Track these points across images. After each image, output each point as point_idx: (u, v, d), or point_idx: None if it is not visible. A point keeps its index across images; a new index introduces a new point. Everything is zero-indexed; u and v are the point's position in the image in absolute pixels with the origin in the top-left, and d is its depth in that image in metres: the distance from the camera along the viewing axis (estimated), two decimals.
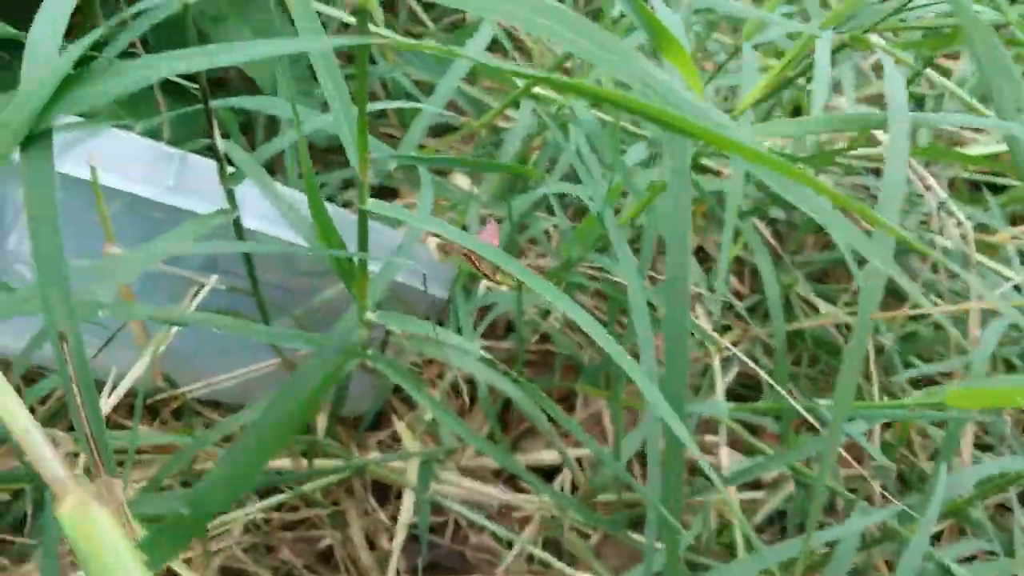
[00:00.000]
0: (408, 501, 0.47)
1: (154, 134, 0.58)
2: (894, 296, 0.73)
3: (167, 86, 0.52)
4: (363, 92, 0.24)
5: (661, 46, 0.27)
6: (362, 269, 0.32)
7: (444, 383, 0.52)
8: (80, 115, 0.51)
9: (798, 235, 0.73)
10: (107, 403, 0.41)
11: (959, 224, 0.61)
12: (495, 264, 0.25)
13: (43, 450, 0.17)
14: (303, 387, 0.37)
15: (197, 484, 0.37)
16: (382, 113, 0.80)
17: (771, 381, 0.45)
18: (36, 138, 0.19)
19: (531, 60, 0.71)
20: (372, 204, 0.28)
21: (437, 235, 0.37)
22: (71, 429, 0.50)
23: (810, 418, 0.43)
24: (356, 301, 0.34)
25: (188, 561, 0.43)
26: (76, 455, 0.41)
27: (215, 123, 0.39)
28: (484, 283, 0.53)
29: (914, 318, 0.66)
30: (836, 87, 0.70)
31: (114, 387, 0.41)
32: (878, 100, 0.82)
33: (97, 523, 0.18)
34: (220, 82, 0.73)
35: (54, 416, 0.52)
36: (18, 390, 0.19)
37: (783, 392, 0.45)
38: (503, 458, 0.44)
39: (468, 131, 0.62)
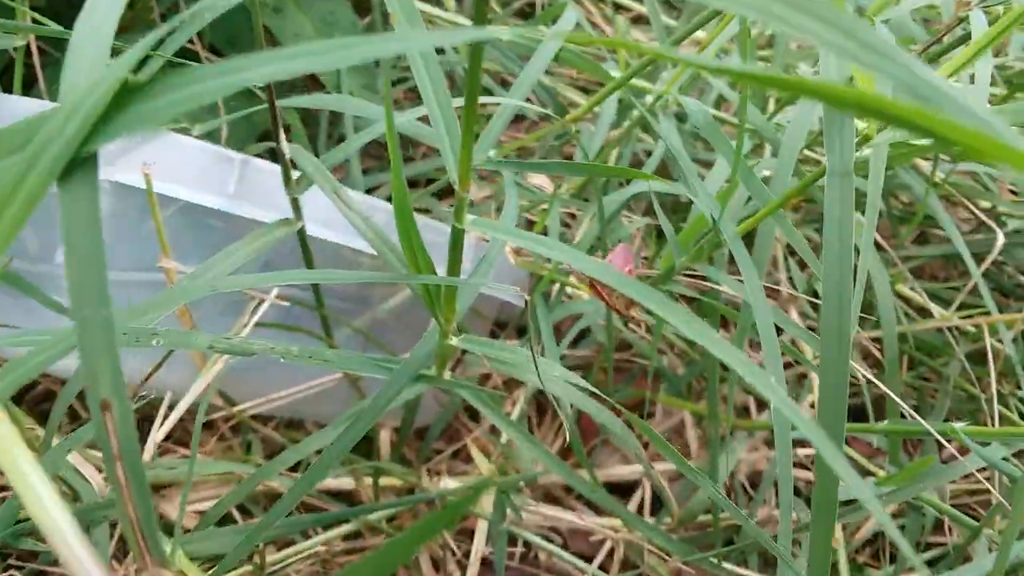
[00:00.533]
0: (481, 532, 0.44)
1: (212, 135, 0.55)
2: (1006, 293, 0.67)
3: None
4: (472, 103, 0.19)
5: None
6: (450, 295, 0.28)
7: (520, 401, 0.48)
8: None
9: (894, 227, 0.67)
10: (160, 431, 0.38)
11: None
12: (630, 299, 0.21)
13: (79, 556, 0.14)
14: (376, 414, 0.33)
15: (255, 530, 0.34)
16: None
17: (896, 398, 0.40)
18: (78, 165, 0.16)
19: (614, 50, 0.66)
20: (473, 221, 0.24)
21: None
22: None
23: (945, 442, 0.38)
24: (440, 326, 0.31)
25: None
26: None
27: (280, 126, 0.35)
28: (568, 289, 0.49)
29: None
30: None
31: (168, 411, 0.38)
32: None
33: None
34: None
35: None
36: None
37: (906, 408, 0.40)
38: (583, 485, 0.39)
39: (562, 125, 0.57)
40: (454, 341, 0.32)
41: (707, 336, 0.19)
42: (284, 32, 0.57)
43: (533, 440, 0.38)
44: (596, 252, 0.46)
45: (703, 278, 0.38)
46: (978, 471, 0.40)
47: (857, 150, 0.27)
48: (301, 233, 0.40)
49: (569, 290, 0.48)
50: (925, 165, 0.62)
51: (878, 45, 0.12)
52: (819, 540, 0.25)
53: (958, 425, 0.37)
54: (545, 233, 0.47)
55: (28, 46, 0.46)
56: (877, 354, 0.64)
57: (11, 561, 0.45)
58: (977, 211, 0.56)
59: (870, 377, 0.40)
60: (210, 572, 0.38)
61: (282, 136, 0.34)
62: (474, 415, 0.57)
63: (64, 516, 0.14)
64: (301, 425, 0.56)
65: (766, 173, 0.45)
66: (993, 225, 0.54)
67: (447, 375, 0.36)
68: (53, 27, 0.38)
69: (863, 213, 0.65)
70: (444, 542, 0.46)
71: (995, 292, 0.67)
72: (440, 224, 0.48)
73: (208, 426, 0.53)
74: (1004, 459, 0.36)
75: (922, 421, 0.35)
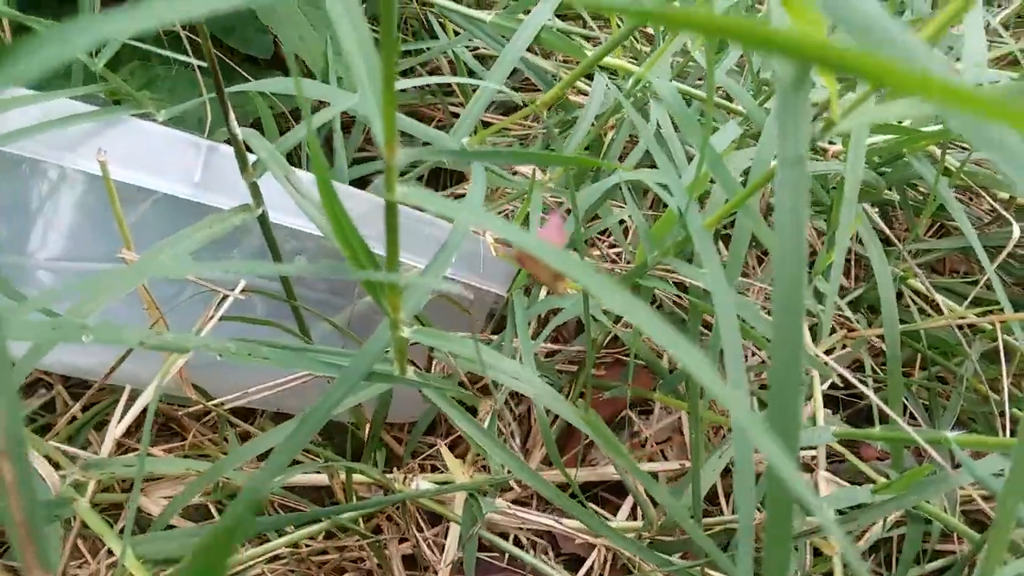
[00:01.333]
0: (454, 535, 0.42)
1: (200, 122, 0.54)
2: (1018, 289, 0.63)
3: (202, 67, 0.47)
4: (390, 59, 0.18)
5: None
6: (393, 284, 0.26)
7: (498, 399, 0.46)
8: (101, 101, 0.47)
9: (910, 219, 0.64)
10: (116, 430, 0.37)
11: None
12: (557, 271, 0.19)
13: None
14: (323, 415, 0.32)
15: (207, 537, 0.32)
16: (450, 89, 0.74)
17: (880, 405, 0.37)
18: None
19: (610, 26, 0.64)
20: (406, 193, 0.22)
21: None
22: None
23: (934, 453, 0.36)
24: (388, 317, 0.29)
25: None
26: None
27: (231, 110, 0.33)
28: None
29: None
30: None
31: (125, 411, 0.37)
32: (1010, 64, 0.71)
33: None
34: (277, 62, 0.68)
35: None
36: None
37: (897, 420, 0.37)
38: (556, 495, 0.38)
39: (534, 110, 0.55)
40: (405, 333, 0.30)
41: (640, 314, 0.17)
42: (288, 35, 0.55)
43: (496, 442, 0.36)
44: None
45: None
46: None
47: (822, 138, 0.25)
48: (263, 219, 0.38)
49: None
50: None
51: None
52: (774, 546, 0.23)
53: (951, 434, 0.34)
54: (526, 222, 0.45)
55: None
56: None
57: None
58: (994, 202, 0.53)
59: (848, 375, 0.37)
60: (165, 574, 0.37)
61: (232, 120, 0.33)
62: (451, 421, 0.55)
63: None
64: (288, 419, 0.55)
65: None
66: (1010, 217, 0.51)
67: (411, 372, 0.35)
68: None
69: (872, 204, 0.62)
70: (418, 544, 0.44)
71: (1017, 287, 0.64)
72: (435, 219, 0.46)
73: (189, 418, 0.52)
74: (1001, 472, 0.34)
75: (908, 428, 0.33)
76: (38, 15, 0.43)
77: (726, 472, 0.57)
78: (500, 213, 0.52)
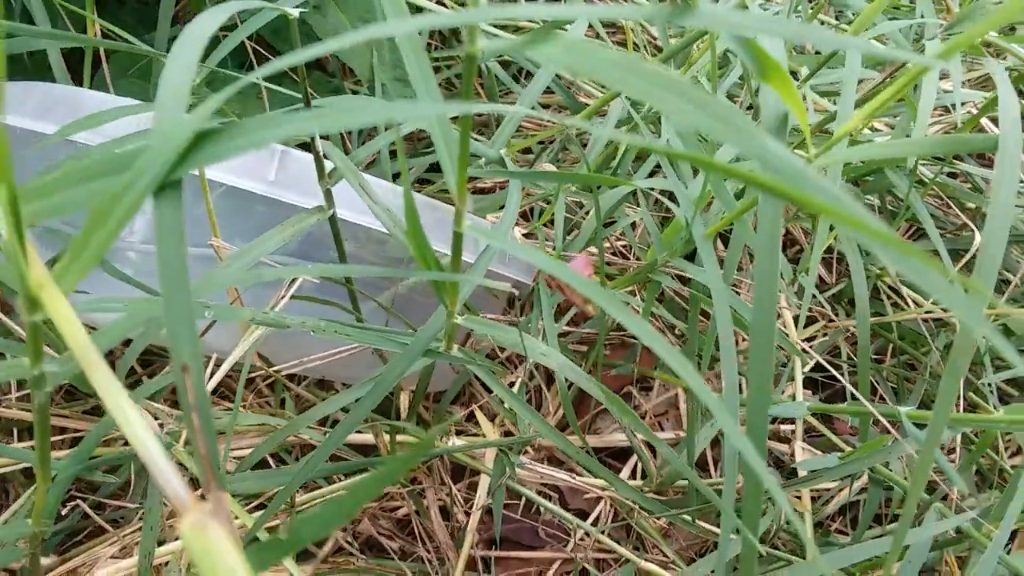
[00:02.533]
0: (483, 485, 0.50)
1: None
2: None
3: (272, 79, 0.54)
4: (466, 134, 0.25)
5: (765, 76, 0.27)
6: (453, 285, 0.33)
7: (523, 370, 0.54)
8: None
9: (896, 222, 0.71)
10: (208, 386, 0.44)
11: None
12: (586, 297, 0.26)
13: (164, 471, 0.19)
14: (391, 383, 0.39)
15: (295, 476, 0.40)
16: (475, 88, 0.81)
17: (850, 388, 0.45)
18: (167, 187, 0.21)
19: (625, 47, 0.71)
20: (470, 226, 0.29)
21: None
22: (172, 404, 0.54)
23: (890, 427, 0.43)
24: (445, 308, 0.36)
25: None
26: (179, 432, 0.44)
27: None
28: None
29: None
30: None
31: (214, 370, 0.45)
32: (988, 83, 0.78)
33: (213, 537, 0.20)
34: (320, 66, 0.75)
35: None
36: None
37: (862, 399, 0.45)
38: (574, 450, 0.45)
39: (561, 130, 0.62)
40: (458, 320, 0.37)
41: (635, 324, 0.24)
42: (323, 28, 0.62)
43: (527, 406, 0.44)
44: (584, 248, 0.51)
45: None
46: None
47: None
48: (333, 219, 0.45)
49: None
50: (922, 169, 0.65)
51: (734, 119, 0.17)
52: (749, 498, 0.30)
53: (903, 409, 0.41)
54: (552, 222, 0.52)
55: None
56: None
57: (73, 493, 0.52)
58: (961, 212, 0.60)
59: (819, 358, 0.44)
60: (255, 505, 0.44)
61: (317, 136, 0.40)
62: (486, 383, 0.62)
63: (155, 442, 0.20)
64: (331, 386, 0.63)
65: None
66: (972, 225, 0.58)
67: (455, 349, 0.42)
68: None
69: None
70: (451, 493, 0.52)
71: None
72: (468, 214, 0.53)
73: (248, 384, 0.60)
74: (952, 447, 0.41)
75: (867, 404, 0.40)
76: (114, 18, 0.50)
77: (715, 443, 0.64)
78: (523, 207, 0.59)
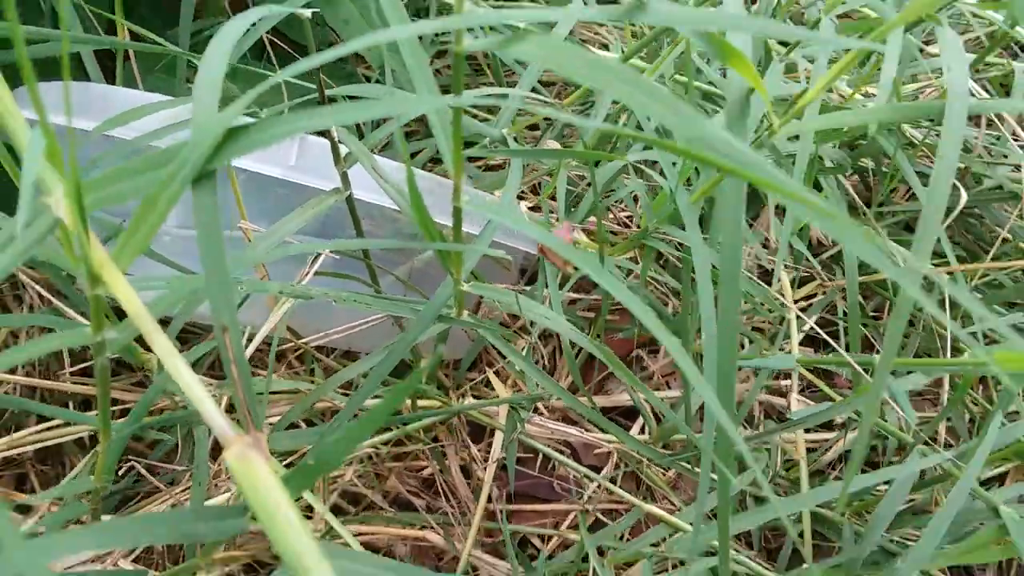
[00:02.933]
0: (498, 441, 0.54)
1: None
2: (978, 246, 0.73)
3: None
4: (458, 119, 0.28)
5: (725, 60, 0.31)
6: (457, 255, 0.37)
7: (533, 336, 0.58)
8: None
9: (887, 184, 0.74)
10: (248, 348, 0.48)
11: None
12: (566, 259, 0.30)
13: (212, 411, 0.23)
14: (407, 345, 0.43)
15: (323, 433, 0.44)
16: (479, 69, 0.84)
17: (833, 341, 0.48)
18: (203, 177, 0.25)
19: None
20: (468, 201, 0.33)
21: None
22: (212, 374, 0.58)
23: (862, 372, 0.46)
24: (452, 276, 0.40)
25: (313, 489, 0.51)
26: (220, 397, 0.49)
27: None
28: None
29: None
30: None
31: (248, 341, 0.49)
32: (980, 45, 0.80)
33: (255, 465, 0.24)
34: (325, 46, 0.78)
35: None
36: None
37: (840, 350, 0.48)
38: (581, 407, 0.49)
39: (558, 108, 0.65)
40: (465, 287, 0.41)
41: (614, 286, 0.28)
42: (335, 18, 0.65)
43: (534, 366, 0.48)
44: (588, 218, 0.54)
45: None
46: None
47: (768, 142, 0.35)
48: (349, 200, 0.49)
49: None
50: (913, 132, 0.68)
51: (681, 109, 0.21)
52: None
53: (877, 356, 0.45)
54: (554, 196, 0.55)
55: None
56: (862, 301, 0.72)
57: (128, 457, 0.57)
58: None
59: (801, 315, 0.48)
60: (289, 463, 0.48)
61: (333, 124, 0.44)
62: (501, 351, 0.66)
63: (202, 388, 0.24)
64: (356, 356, 0.67)
65: None
66: (958, 184, 0.61)
67: (465, 315, 0.46)
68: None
69: (851, 173, 0.72)
70: (470, 451, 0.56)
71: (977, 244, 0.74)
72: (472, 189, 0.57)
73: (279, 358, 0.64)
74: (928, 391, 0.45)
75: (846, 355, 0.44)
76: (131, 12, 0.53)
77: None
78: (531, 182, 0.63)
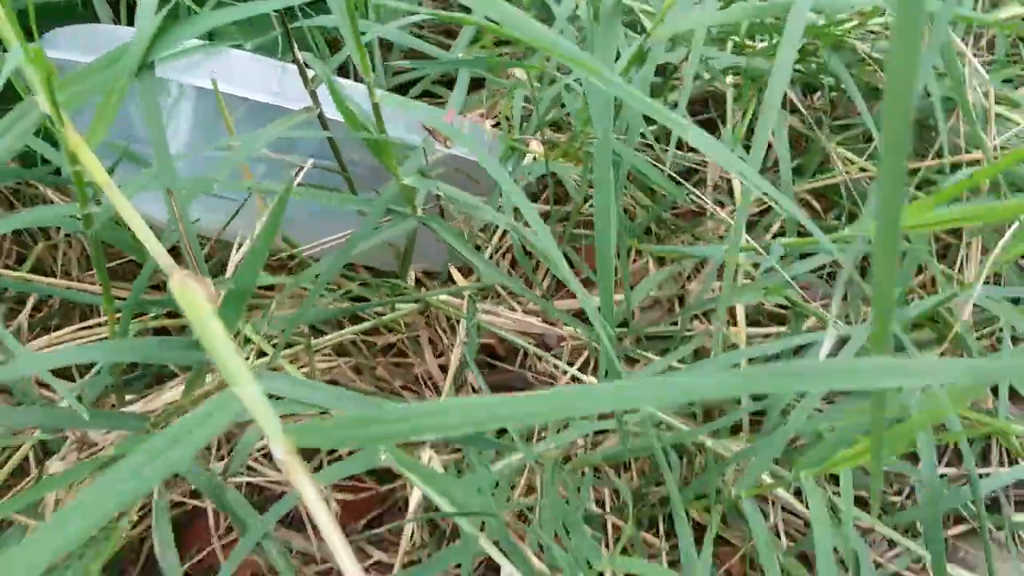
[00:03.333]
0: (463, 328, 0.61)
1: (272, 48, 0.72)
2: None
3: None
4: (354, 24, 0.35)
5: None
6: (387, 148, 0.44)
7: (494, 239, 0.65)
8: (205, 39, 0.65)
9: (828, 95, 0.78)
10: (236, 257, 0.56)
11: (982, 83, 0.65)
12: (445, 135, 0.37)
13: (158, 249, 0.31)
14: (365, 234, 0.50)
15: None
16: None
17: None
18: (145, 70, 0.33)
19: None
20: (381, 97, 0.40)
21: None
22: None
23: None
24: (390, 170, 0.47)
25: (301, 367, 0.59)
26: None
27: (293, 43, 0.51)
28: (529, 156, 0.64)
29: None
30: None
31: (240, 245, 0.57)
32: None
33: (193, 291, 0.30)
34: None
35: None
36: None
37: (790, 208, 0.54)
38: (533, 297, 0.56)
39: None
40: (407, 180, 0.48)
41: (492, 167, 0.35)
42: None
43: (492, 266, 0.55)
44: (537, 131, 0.60)
45: None
46: None
47: (648, 44, 0.41)
48: (321, 116, 0.56)
49: (532, 158, 0.63)
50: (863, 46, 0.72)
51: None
52: None
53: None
54: (509, 117, 0.62)
55: None
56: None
57: None
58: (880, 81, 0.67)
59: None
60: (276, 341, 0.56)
61: (295, 48, 0.51)
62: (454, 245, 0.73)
63: (151, 234, 0.31)
64: (353, 267, 0.75)
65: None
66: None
67: (419, 212, 0.53)
68: None
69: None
70: (440, 336, 0.64)
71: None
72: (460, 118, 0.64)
73: (280, 268, 0.72)
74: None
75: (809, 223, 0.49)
76: None
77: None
78: (494, 105, 0.69)
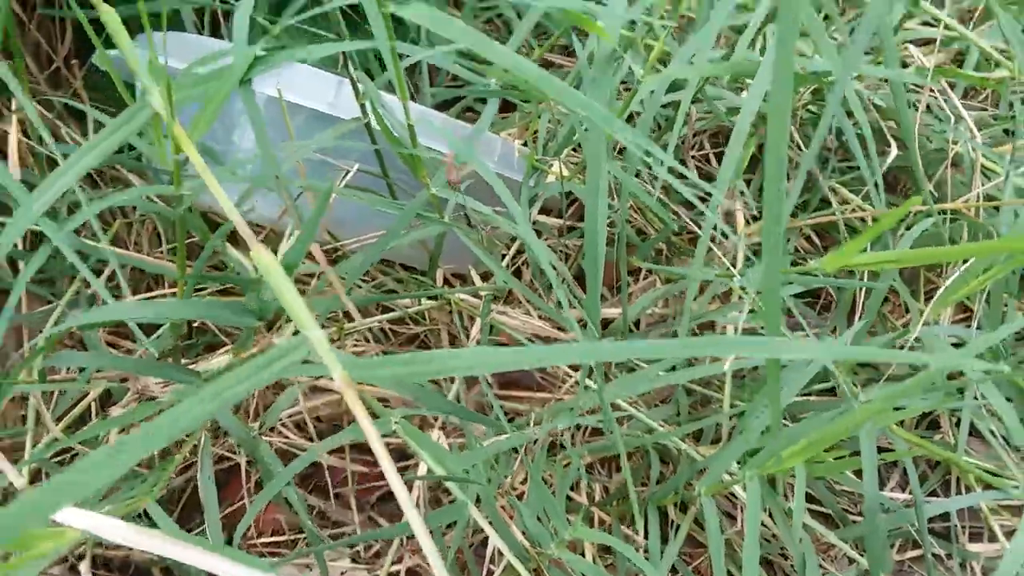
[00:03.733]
0: (478, 324, 0.69)
1: (335, 62, 0.81)
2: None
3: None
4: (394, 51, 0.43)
5: (581, 26, 0.44)
6: (418, 162, 0.52)
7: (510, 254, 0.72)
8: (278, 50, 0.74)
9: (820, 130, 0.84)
10: (285, 245, 0.65)
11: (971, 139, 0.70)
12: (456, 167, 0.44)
13: (240, 221, 0.39)
14: (395, 234, 0.58)
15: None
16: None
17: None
18: (244, 83, 0.41)
19: None
20: (418, 115, 0.47)
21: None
22: None
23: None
24: (420, 181, 0.55)
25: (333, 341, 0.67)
26: None
27: (348, 61, 0.59)
28: (550, 178, 0.72)
29: None
30: None
31: (290, 235, 0.65)
32: None
33: (269, 257, 0.37)
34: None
35: None
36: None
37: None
38: (540, 303, 0.63)
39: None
40: (433, 190, 0.56)
41: (486, 171, 0.42)
42: None
43: (503, 269, 0.62)
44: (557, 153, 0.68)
45: None
46: None
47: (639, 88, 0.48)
48: (368, 126, 0.65)
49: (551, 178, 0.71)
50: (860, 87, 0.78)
51: None
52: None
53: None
54: (535, 135, 0.69)
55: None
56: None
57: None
58: (884, 127, 0.73)
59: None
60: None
61: (350, 67, 0.59)
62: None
63: (232, 205, 0.39)
64: (390, 264, 0.83)
65: None
66: (891, 139, 0.71)
67: (446, 218, 0.61)
68: None
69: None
70: (460, 335, 0.71)
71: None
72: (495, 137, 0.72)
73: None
74: None
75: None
76: None
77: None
78: (525, 127, 0.76)
